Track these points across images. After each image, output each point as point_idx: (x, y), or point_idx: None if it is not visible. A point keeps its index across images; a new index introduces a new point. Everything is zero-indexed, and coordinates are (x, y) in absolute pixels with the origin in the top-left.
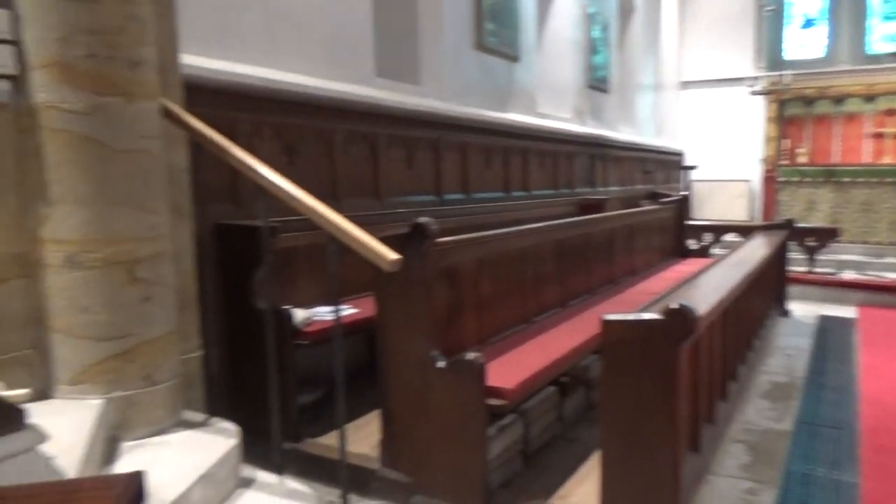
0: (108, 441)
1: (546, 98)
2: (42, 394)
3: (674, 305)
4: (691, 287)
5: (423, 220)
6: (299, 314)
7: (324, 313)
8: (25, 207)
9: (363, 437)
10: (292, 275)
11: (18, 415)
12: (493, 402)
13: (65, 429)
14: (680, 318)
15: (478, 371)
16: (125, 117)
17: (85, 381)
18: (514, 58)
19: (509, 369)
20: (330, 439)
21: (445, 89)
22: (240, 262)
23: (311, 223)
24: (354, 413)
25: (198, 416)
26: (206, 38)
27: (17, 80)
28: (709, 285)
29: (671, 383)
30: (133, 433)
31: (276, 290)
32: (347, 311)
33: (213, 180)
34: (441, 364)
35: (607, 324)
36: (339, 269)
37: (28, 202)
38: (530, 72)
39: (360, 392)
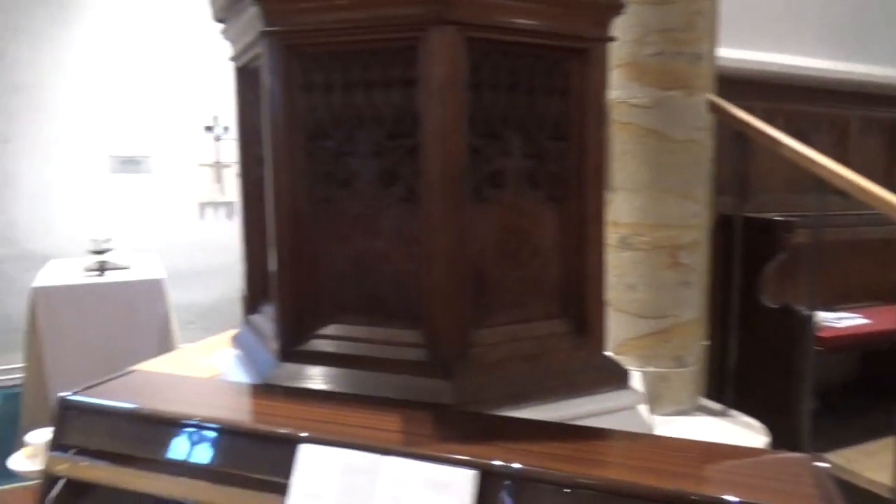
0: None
1: None
2: None
3: None
4: None
5: None
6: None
7: (830, 319)
8: None
9: (877, 465)
10: (793, 274)
11: (625, 375)
12: None
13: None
14: None
15: None
16: (683, 110)
17: (624, 353)
18: None
19: None
20: (836, 458)
21: None
22: (750, 255)
23: (815, 220)
24: (858, 435)
25: (714, 405)
26: (730, 27)
27: None
28: None
29: None
30: (661, 409)
31: (782, 288)
32: (854, 320)
33: (722, 171)
34: None
35: None
36: (841, 273)
37: None
38: None
39: (860, 411)
